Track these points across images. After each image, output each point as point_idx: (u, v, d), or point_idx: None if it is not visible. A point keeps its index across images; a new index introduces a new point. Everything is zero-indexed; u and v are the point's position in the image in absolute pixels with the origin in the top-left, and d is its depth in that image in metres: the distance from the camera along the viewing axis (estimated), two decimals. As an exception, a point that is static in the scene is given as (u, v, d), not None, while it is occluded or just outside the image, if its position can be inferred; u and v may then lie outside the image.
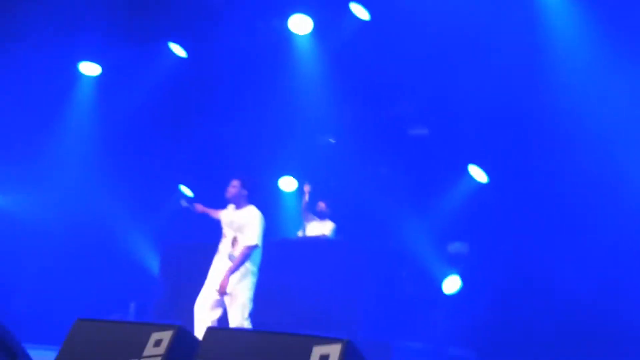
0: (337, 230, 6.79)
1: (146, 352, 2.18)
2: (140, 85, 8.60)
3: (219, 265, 4.89)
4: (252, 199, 5.06)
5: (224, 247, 4.93)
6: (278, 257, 6.17)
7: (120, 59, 8.41)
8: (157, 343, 2.19)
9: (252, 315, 4.80)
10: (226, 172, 8.74)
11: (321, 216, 6.79)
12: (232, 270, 4.70)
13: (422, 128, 8.21)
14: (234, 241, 4.91)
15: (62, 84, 8.66)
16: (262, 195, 5.28)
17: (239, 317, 4.70)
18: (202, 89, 8.82)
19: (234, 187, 5.02)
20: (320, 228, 6.75)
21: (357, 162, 8.10)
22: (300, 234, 6.87)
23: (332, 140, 8.58)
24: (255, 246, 4.79)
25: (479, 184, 7.53)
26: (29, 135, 8.33)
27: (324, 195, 6.94)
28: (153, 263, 7.98)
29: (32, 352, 2.98)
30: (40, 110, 8.33)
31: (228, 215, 5.07)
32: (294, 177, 8.84)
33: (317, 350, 1.93)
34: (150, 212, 9.09)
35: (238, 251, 4.81)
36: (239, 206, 5.00)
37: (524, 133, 6.94)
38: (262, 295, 5.81)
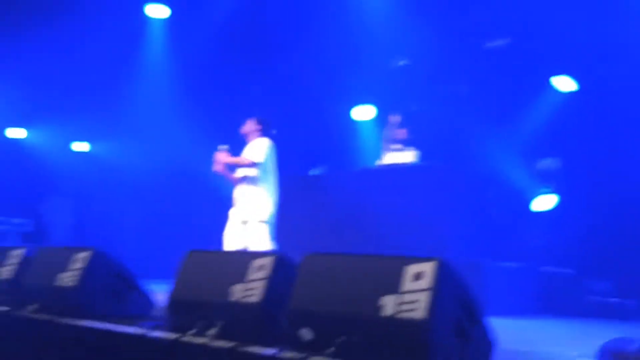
0: (421, 157, 6.74)
1: (250, 277, 2.36)
2: (210, 23, 8.66)
3: (237, 194, 5.19)
4: (265, 134, 5.32)
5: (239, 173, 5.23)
6: (361, 186, 6.28)
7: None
8: (260, 268, 2.36)
9: (344, 244, 5.00)
10: (302, 104, 8.91)
11: (404, 144, 6.74)
12: (232, 162, 5.14)
13: (501, 39, 7.77)
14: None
15: (133, 29, 8.88)
16: (273, 132, 5.43)
17: (259, 240, 4.96)
18: (271, 22, 8.78)
19: (248, 124, 5.35)
20: (402, 156, 6.72)
21: (434, 83, 7.90)
22: (381, 162, 6.89)
23: (404, 63, 8.36)
24: (255, 164, 5.06)
25: (566, 94, 7.13)
26: (109, 83, 8.71)
27: (405, 122, 6.85)
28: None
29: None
30: (115, 58, 8.64)
31: (245, 149, 5.35)
32: (370, 104, 8.77)
33: (411, 269, 2.01)
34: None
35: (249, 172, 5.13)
36: (250, 140, 5.31)
37: (612, 36, 6.43)
38: (351, 225, 5.98)
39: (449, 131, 7.36)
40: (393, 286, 2.00)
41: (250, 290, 2.32)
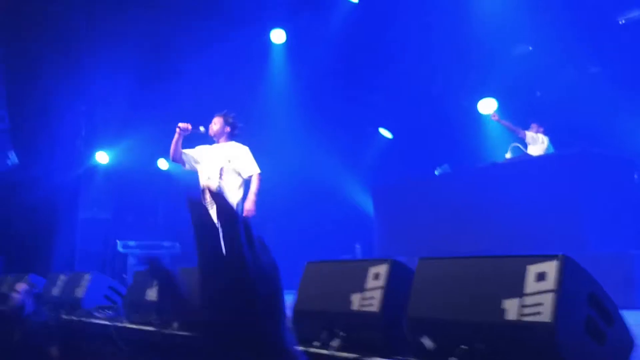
0: (551, 146, 6.36)
1: (368, 285, 2.35)
2: (325, 40, 8.88)
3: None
4: (233, 137, 5.06)
5: (207, 175, 4.94)
6: (489, 182, 6.03)
7: (301, 21, 8.79)
8: (376, 276, 2.35)
9: (474, 243, 4.78)
10: (425, 105, 8.78)
11: (534, 137, 6.46)
12: (254, 199, 4.85)
13: (637, 10, 7.08)
14: (222, 172, 4.93)
15: (257, 54, 9.35)
16: (244, 132, 5.21)
17: None
18: (384, 27, 8.77)
19: (215, 123, 5.03)
20: (534, 149, 6.41)
21: (560, 66, 7.39)
22: (508, 156, 6.59)
23: (526, 49, 7.92)
24: (260, 174, 4.92)
25: None
26: (235, 108, 9.19)
27: (532, 115, 6.53)
28: (368, 205, 8.39)
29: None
30: (241, 84, 9.12)
31: (209, 152, 5.03)
32: (492, 97, 8.41)
33: (533, 269, 1.88)
34: (358, 158, 9.48)
35: (226, 182, 4.86)
36: (219, 141, 5.03)
37: None
38: (481, 223, 5.76)
39: (580, 116, 6.83)
40: (515, 288, 1.89)
41: (368, 299, 2.32)
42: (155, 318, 3.42)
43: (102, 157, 9.40)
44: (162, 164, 10.32)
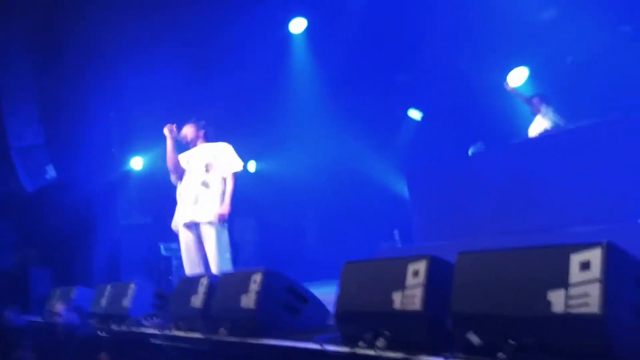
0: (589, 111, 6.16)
1: (408, 283, 2.33)
2: (346, 24, 8.76)
3: (187, 196, 4.82)
4: (209, 139, 5.00)
5: (192, 177, 4.86)
6: (527, 157, 5.88)
7: (322, 3, 8.69)
8: (415, 273, 2.32)
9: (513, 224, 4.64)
10: (452, 83, 8.61)
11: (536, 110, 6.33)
12: (229, 202, 4.72)
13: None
14: (208, 167, 4.86)
15: (277, 45, 9.28)
16: (214, 134, 5.09)
17: (214, 252, 4.65)
18: (405, 7, 8.60)
19: (188, 132, 4.97)
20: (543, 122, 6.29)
21: (590, 27, 7.12)
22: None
23: (551, 13, 7.64)
24: (236, 174, 4.80)
25: None
26: (261, 102, 9.20)
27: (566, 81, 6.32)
28: (403, 188, 8.32)
29: (315, 289, 3.43)
30: (263, 77, 9.08)
31: (191, 153, 4.98)
32: (523, 66, 8.19)
33: (576, 259, 1.83)
34: (389, 141, 9.39)
35: (213, 177, 4.80)
36: (196, 145, 4.98)
37: None
38: (519, 204, 5.62)
39: (614, 79, 6.59)
40: (559, 279, 1.84)
41: (410, 297, 2.29)
42: (201, 324, 3.48)
43: (137, 163, 9.56)
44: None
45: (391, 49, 9.01)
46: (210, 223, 4.72)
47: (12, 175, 9.05)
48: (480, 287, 2.06)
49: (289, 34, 9.35)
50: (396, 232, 7.22)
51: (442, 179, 6.64)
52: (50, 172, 9.06)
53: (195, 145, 5.02)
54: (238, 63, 8.76)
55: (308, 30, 9.21)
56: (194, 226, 4.79)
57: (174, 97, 8.70)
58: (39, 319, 5.33)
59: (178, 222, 4.89)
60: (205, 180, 4.83)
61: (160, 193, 9.11)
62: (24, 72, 8.50)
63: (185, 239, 4.84)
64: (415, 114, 8.78)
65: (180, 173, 4.96)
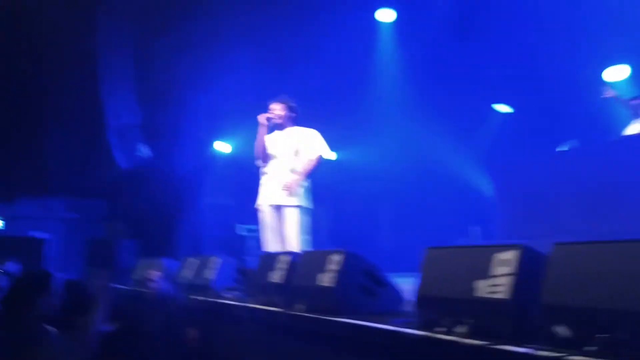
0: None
1: (494, 272, 2.28)
2: (433, 17, 8.61)
3: (272, 183, 4.77)
4: (296, 121, 4.84)
5: (280, 162, 4.80)
6: (624, 156, 5.57)
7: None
8: (504, 262, 2.26)
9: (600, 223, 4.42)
10: (545, 76, 8.26)
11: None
12: (306, 175, 4.67)
13: None
14: (296, 152, 4.77)
15: (363, 36, 9.26)
16: (303, 118, 4.90)
17: (294, 234, 4.59)
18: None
19: (276, 110, 4.83)
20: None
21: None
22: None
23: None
24: (322, 158, 4.69)
25: None
26: (345, 92, 9.21)
27: None
28: (487, 185, 8.10)
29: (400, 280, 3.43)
30: (348, 66, 9.07)
31: (279, 137, 4.86)
32: (624, 63, 7.71)
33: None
34: (473, 136, 9.16)
35: (301, 163, 4.71)
36: (285, 128, 4.86)
37: None
38: (610, 204, 5.34)
39: None
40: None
41: (496, 286, 2.24)
42: (279, 299, 3.57)
43: (223, 147, 9.89)
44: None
45: (480, 40, 8.76)
46: (294, 207, 4.77)
47: (108, 153, 9.62)
48: (574, 279, 1.98)
49: (377, 25, 9.30)
50: (477, 229, 7.05)
51: (530, 176, 6.40)
52: (144, 151, 9.55)
53: (283, 127, 4.96)
54: (324, 52, 8.82)
55: (396, 21, 9.13)
56: (277, 209, 4.85)
57: (261, 86, 8.89)
58: (124, 287, 5.65)
59: (262, 204, 4.97)
60: (293, 165, 4.85)
61: (243, 176, 9.40)
62: (124, 56, 8.99)
63: (268, 220, 4.91)
64: (502, 108, 8.48)
65: (267, 157, 4.99)
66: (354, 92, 9.38)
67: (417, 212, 9.18)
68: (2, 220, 10.71)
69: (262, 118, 4.84)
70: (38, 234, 9.68)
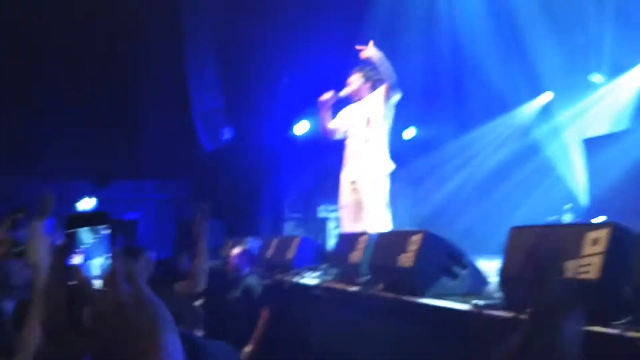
0: None
1: (584, 252, 2.15)
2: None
3: (350, 154, 4.63)
4: (375, 88, 4.58)
5: (354, 134, 4.66)
6: None
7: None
8: (594, 242, 2.13)
9: None
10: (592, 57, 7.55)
11: None
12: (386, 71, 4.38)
13: None
14: (368, 121, 4.57)
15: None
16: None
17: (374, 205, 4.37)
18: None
19: (353, 81, 4.66)
20: None
21: None
22: None
23: None
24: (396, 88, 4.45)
25: None
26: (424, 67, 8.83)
27: None
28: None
29: (481, 262, 3.33)
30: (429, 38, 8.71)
31: (352, 108, 4.69)
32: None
33: None
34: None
35: (373, 131, 4.56)
36: (361, 97, 4.67)
37: None
38: None
39: None
40: None
41: (585, 266, 2.12)
42: (358, 280, 3.57)
43: (303, 127, 9.95)
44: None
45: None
46: (370, 180, 4.65)
47: (193, 136, 9.99)
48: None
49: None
50: (568, 207, 6.68)
51: (624, 151, 5.99)
52: (227, 134, 9.84)
53: (360, 98, 4.80)
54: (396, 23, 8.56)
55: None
56: (356, 183, 4.75)
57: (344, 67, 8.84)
58: (211, 265, 5.86)
59: (342, 180, 4.90)
60: (366, 135, 4.70)
61: (323, 156, 9.45)
62: (208, 42, 9.25)
63: (347, 196, 4.83)
64: (598, 78, 7.87)
65: (338, 134, 4.91)
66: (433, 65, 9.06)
67: (503, 192, 8.82)
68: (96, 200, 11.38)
69: (325, 97, 4.75)
70: (131, 215, 10.24)
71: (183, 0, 8.32)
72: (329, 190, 9.17)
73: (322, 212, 8.59)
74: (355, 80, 4.77)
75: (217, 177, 9.84)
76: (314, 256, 4.72)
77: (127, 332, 0.76)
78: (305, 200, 9.33)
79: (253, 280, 4.55)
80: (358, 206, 4.73)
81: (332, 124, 4.87)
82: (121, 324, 0.76)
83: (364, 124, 4.71)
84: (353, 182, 4.75)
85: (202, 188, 10.31)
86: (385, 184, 4.69)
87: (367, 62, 4.65)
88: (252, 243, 5.49)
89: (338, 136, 4.92)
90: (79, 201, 10.69)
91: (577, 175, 7.71)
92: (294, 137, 10.00)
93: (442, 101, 9.39)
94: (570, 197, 7.60)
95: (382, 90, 4.62)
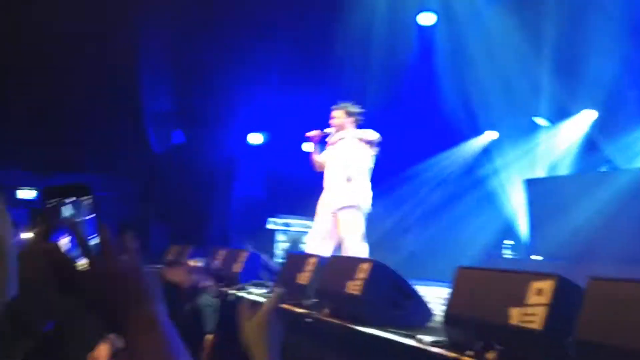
0: None
1: (529, 300, 2.24)
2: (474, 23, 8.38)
3: (329, 184, 4.76)
4: (359, 126, 4.76)
5: (335, 165, 4.78)
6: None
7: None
8: (539, 292, 2.22)
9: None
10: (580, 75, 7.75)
11: None
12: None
13: None
14: (348, 160, 4.74)
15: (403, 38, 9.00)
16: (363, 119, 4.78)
17: (352, 237, 4.50)
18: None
19: (336, 118, 4.80)
20: None
21: None
22: None
23: None
24: (379, 140, 4.61)
25: None
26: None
27: None
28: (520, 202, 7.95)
29: (424, 288, 3.40)
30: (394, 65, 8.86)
31: (335, 143, 4.83)
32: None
33: None
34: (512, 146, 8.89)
35: (354, 169, 4.68)
36: (343, 133, 4.80)
37: None
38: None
39: None
40: None
41: (530, 315, 2.21)
42: (305, 302, 3.58)
43: (257, 138, 9.92)
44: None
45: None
46: (349, 216, 4.73)
47: (143, 137, 9.76)
48: (612, 317, 1.94)
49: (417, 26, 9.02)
50: (509, 243, 6.93)
51: (566, 195, 6.28)
52: (178, 137, 9.67)
53: (343, 132, 4.91)
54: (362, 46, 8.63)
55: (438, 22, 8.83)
56: (337, 215, 4.81)
57: (300, 80, 8.84)
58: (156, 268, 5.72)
59: (320, 205, 4.96)
60: (347, 172, 4.81)
61: (276, 168, 9.44)
62: (163, 45, 9.10)
63: (325, 223, 4.87)
64: (541, 121, 8.21)
65: (323, 166, 5.03)
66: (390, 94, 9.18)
67: (449, 222, 9.00)
68: (36, 191, 10.91)
69: (313, 134, 4.96)
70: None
71: (139, 8, 8.13)
72: (280, 202, 9.18)
73: (271, 224, 8.54)
74: (338, 117, 4.92)
75: (167, 180, 9.65)
76: (261, 272, 4.71)
77: (125, 298, 0.77)
78: (255, 211, 9.27)
79: (207, 300, 4.44)
80: (333, 235, 4.83)
81: (320, 157, 5.05)
82: (118, 290, 0.77)
83: (345, 161, 4.85)
84: (334, 214, 4.82)
85: (150, 189, 10.09)
86: (363, 219, 4.82)
87: (347, 99, 4.98)
88: (194, 252, 5.37)
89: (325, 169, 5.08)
90: (18, 190, 10.23)
91: (517, 213, 8.00)
92: (248, 147, 9.95)
93: (392, 130, 9.49)
94: (511, 232, 7.87)
95: (366, 135, 4.81)
